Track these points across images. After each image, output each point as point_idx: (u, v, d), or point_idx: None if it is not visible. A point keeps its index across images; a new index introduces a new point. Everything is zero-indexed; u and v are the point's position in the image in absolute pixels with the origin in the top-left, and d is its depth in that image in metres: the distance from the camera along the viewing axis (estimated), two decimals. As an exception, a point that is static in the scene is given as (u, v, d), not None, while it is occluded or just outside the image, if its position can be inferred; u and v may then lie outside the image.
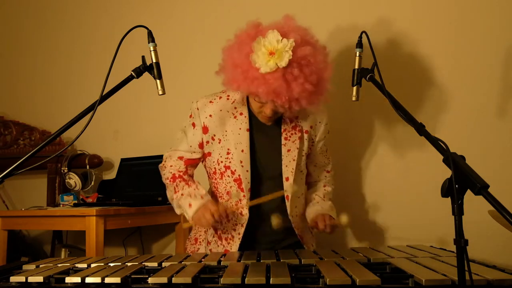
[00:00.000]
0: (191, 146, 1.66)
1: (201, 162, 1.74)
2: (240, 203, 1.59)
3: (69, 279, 1.11)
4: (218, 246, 1.65)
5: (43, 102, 3.07)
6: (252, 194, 1.60)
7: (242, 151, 1.58)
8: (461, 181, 0.92)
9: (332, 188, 1.82)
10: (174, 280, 1.06)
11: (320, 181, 1.82)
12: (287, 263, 1.20)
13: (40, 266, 1.32)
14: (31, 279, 1.13)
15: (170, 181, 1.66)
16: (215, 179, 1.65)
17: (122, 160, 2.69)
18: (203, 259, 1.34)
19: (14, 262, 1.76)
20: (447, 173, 0.94)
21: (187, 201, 1.58)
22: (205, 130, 1.62)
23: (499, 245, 1.82)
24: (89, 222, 2.01)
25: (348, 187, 2.17)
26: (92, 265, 1.29)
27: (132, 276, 1.13)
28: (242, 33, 1.48)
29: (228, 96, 1.64)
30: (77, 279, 1.10)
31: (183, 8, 2.69)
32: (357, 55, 1.45)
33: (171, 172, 1.67)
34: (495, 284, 0.99)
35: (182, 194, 1.61)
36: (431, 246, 1.52)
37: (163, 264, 1.28)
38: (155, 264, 1.28)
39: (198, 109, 1.62)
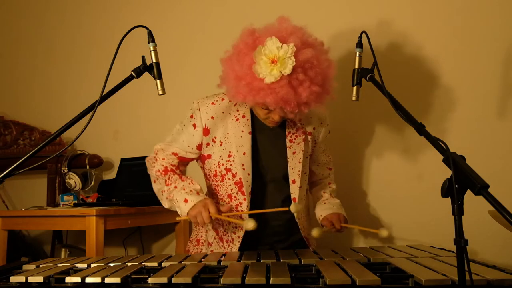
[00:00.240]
0: (188, 146, 1.63)
1: (198, 164, 1.73)
2: (240, 206, 1.59)
3: (69, 279, 1.11)
4: (219, 247, 1.65)
5: (43, 102, 3.07)
6: (253, 198, 1.59)
7: (244, 154, 1.57)
8: (461, 181, 0.92)
9: (336, 186, 1.85)
10: (174, 280, 1.06)
11: (325, 178, 1.84)
12: (287, 263, 1.20)
13: (40, 266, 1.32)
14: (31, 279, 1.13)
15: (161, 173, 1.61)
16: (216, 181, 1.63)
17: (122, 160, 2.69)
18: (203, 259, 1.34)
19: (14, 262, 1.76)
20: (447, 173, 0.95)
21: (181, 195, 1.53)
22: (206, 131, 1.60)
23: (499, 245, 1.82)
24: (89, 222, 2.01)
25: (348, 187, 2.17)
26: (92, 265, 1.29)
27: (132, 276, 1.13)
28: (239, 43, 1.45)
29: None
30: (77, 279, 1.10)
31: (183, 8, 2.69)
32: (357, 55, 1.44)
33: (163, 165, 1.62)
34: (495, 284, 0.99)
35: (175, 187, 1.57)
36: (431, 246, 1.52)
37: (163, 264, 1.28)
38: (155, 264, 1.28)
39: (199, 110, 1.60)
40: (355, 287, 0.99)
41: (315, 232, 1.57)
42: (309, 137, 1.67)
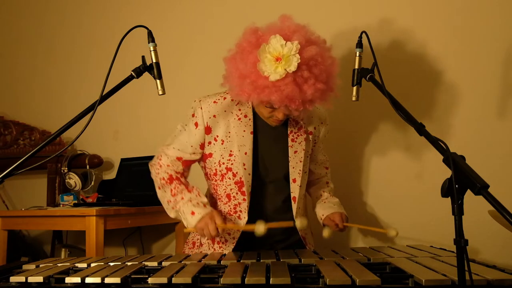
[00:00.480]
0: (191, 146, 1.63)
1: (199, 164, 1.72)
2: (239, 207, 1.58)
3: (69, 279, 1.11)
4: (209, 249, 1.64)
5: (43, 102, 3.07)
6: (253, 198, 1.59)
7: (246, 153, 1.57)
8: (461, 181, 0.92)
9: (333, 185, 1.85)
10: (174, 280, 1.06)
11: (322, 177, 1.84)
12: (287, 263, 1.20)
13: (40, 266, 1.32)
14: (31, 279, 1.14)
15: (166, 182, 1.61)
16: (215, 180, 1.63)
17: (122, 160, 2.69)
18: (203, 259, 1.34)
19: (14, 262, 1.77)
20: (447, 173, 0.94)
21: (188, 208, 1.53)
22: (208, 130, 1.60)
23: (499, 245, 1.82)
24: (89, 222, 2.02)
25: (347, 186, 2.17)
26: (92, 265, 1.29)
27: (132, 276, 1.13)
28: (242, 41, 1.45)
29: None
30: (77, 279, 1.10)
31: (183, 8, 2.69)
32: (357, 55, 1.45)
33: (167, 172, 1.62)
34: (495, 284, 0.99)
35: (182, 198, 1.57)
36: (431, 246, 1.52)
37: (163, 264, 1.28)
38: (155, 264, 1.28)
39: (201, 108, 1.59)
40: (355, 287, 0.99)
41: (326, 233, 1.57)
42: (310, 136, 1.68)
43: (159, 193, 1.65)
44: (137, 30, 1.35)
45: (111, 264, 1.30)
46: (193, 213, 1.52)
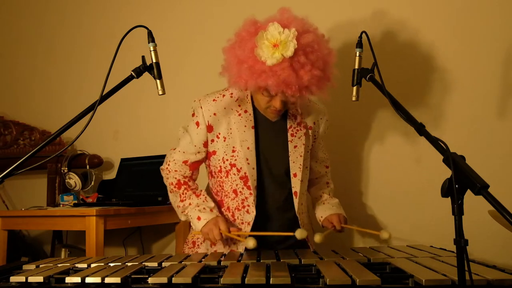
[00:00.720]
0: (195, 146, 1.64)
1: (204, 163, 1.73)
2: (247, 201, 1.59)
3: (69, 279, 1.11)
4: (205, 250, 1.66)
5: (43, 102, 3.07)
6: (259, 192, 1.60)
7: (248, 148, 1.58)
8: (461, 181, 0.92)
9: (333, 185, 1.85)
10: (174, 280, 1.06)
11: (322, 177, 1.84)
12: (287, 263, 1.20)
13: (40, 266, 1.32)
14: (31, 279, 1.13)
15: (175, 187, 1.65)
16: (221, 177, 1.64)
17: (122, 160, 2.69)
18: (203, 259, 1.34)
19: (14, 262, 1.76)
20: (447, 173, 0.94)
21: (195, 213, 1.57)
22: (209, 128, 1.61)
23: (499, 245, 1.82)
24: (89, 222, 2.01)
25: (347, 186, 2.17)
26: (92, 265, 1.29)
27: (132, 276, 1.13)
28: (241, 31, 1.48)
29: (232, 94, 1.63)
30: (77, 279, 1.10)
31: (183, 8, 2.69)
32: (357, 55, 1.45)
33: (175, 178, 1.66)
34: (495, 284, 0.99)
35: (190, 204, 1.61)
36: (431, 246, 1.52)
37: (163, 264, 1.28)
38: (155, 264, 1.28)
39: (201, 107, 1.61)
40: (355, 287, 0.99)
41: (317, 238, 1.57)
42: (310, 131, 1.69)
43: (170, 197, 1.69)
44: (137, 30, 1.35)
45: (111, 264, 1.30)
46: (199, 218, 1.56)
